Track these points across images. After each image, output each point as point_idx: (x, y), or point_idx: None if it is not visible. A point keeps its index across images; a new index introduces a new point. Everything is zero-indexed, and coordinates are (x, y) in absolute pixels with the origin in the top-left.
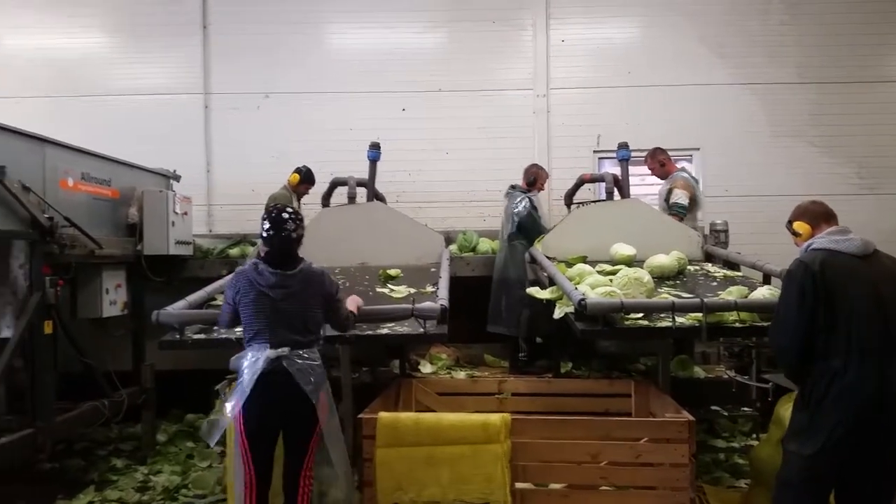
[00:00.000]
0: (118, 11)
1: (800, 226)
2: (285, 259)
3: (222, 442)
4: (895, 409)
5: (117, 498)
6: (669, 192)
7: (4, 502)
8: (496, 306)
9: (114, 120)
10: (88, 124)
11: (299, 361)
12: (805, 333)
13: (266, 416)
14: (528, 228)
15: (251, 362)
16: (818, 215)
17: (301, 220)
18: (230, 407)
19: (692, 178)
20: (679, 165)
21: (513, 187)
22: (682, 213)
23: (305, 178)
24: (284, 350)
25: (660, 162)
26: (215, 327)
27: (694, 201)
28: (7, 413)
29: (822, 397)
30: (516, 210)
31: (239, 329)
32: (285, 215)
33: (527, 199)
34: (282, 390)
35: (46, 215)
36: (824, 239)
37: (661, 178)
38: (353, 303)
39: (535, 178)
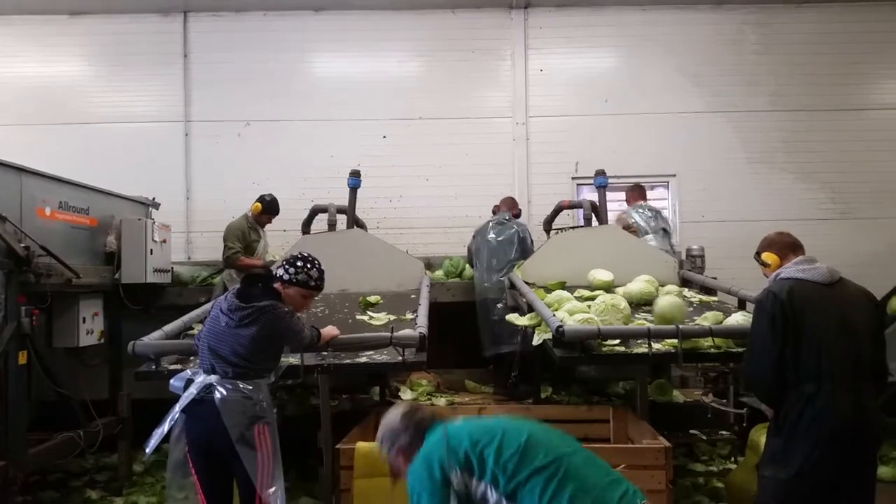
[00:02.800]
0: (99, 40)
1: (768, 256)
2: (251, 289)
3: None
4: (868, 433)
5: None
6: None
7: None
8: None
9: (94, 148)
10: (68, 152)
11: (225, 392)
12: (778, 361)
13: (202, 445)
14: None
15: (186, 384)
16: (785, 246)
17: (291, 263)
18: (165, 427)
19: (644, 212)
20: (640, 202)
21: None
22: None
23: (268, 208)
24: (213, 378)
25: (627, 199)
26: (191, 357)
27: (635, 234)
28: None
29: (796, 423)
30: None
31: None
32: (288, 256)
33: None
34: (208, 419)
35: (23, 244)
36: (791, 269)
37: None
38: (328, 333)
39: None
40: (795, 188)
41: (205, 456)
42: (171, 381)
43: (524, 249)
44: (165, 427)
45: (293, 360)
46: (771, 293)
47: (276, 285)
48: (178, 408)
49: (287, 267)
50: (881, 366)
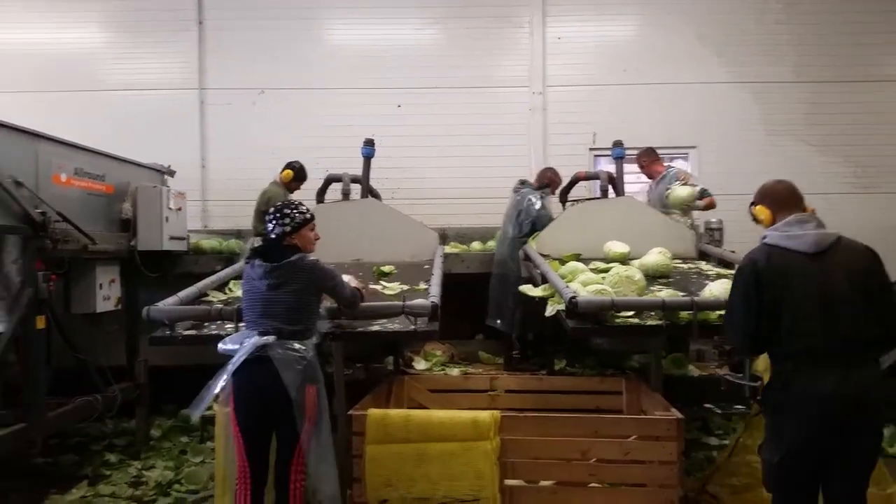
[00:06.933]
0: (114, 7)
1: (760, 211)
2: (271, 253)
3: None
4: (854, 411)
5: (110, 493)
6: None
7: None
8: (496, 300)
9: (109, 115)
10: (84, 119)
11: (282, 351)
12: (753, 331)
13: (253, 404)
14: (543, 227)
15: (239, 347)
16: (780, 200)
17: (282, 215)
18: (217, 387)
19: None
20: (665, 164)
21: (522, 183)
22: (708, 193)
23: (298, 175)
24: (270, 338)
25: (642, 163)
26: (206, 322)
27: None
28: (1, 408)
29: (781, 404)
30: (534, 208)
31: (229, 325)
32: (269, 216)
33: (543, 199)
34: (265, 379)
35: (39, 210)
36: (777, 233)
37: (649, 178)
38: (351, 281)
39: (548, 183)
40: (817, 161)
41: (254, 415)
42: (221, 344)
43: (526, 221)
44: (216, 389)
45: None
46: (751, 261)
47: (286, 242)
48: (231, 368)
49: (282, 220)
50: (892, 328)
